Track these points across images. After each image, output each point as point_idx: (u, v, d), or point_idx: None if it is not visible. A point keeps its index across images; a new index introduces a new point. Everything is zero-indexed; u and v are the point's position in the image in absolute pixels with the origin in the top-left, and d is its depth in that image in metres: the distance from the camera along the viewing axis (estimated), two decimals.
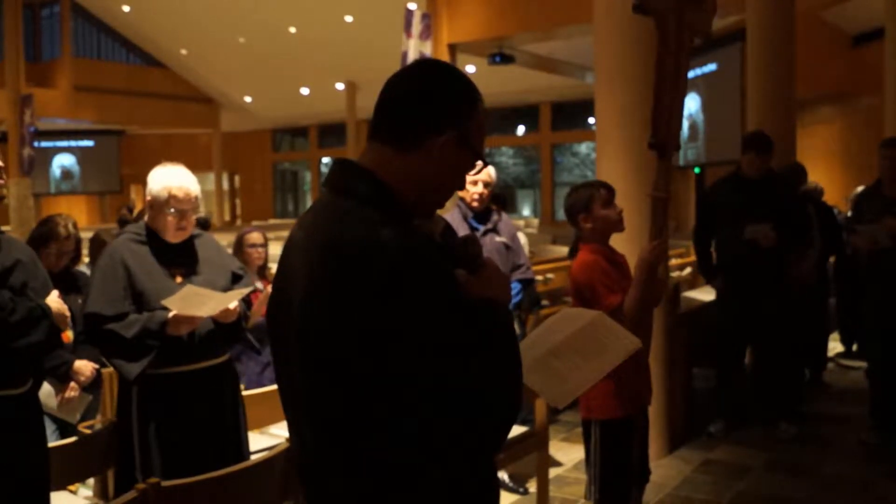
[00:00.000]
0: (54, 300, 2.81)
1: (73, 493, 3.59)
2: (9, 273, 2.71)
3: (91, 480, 3.69)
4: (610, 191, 3.20)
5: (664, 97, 2.85)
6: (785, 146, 6.52)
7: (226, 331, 3.23)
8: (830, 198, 7.79)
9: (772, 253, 5.18)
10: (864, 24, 13.39)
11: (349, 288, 1.35)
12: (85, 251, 4.81)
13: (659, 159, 2.98)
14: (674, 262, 8.75)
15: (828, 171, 13.34)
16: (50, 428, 3.62)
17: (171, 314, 3.01)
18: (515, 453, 3.93)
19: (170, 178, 3.13)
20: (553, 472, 4.63)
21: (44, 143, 22.03)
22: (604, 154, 4.94)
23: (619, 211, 3.20)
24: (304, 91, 23.99)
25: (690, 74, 13.34)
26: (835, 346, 7.76)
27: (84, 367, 3.61)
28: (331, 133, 27.48)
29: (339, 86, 22.52)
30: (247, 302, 3.36)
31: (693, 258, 9.81)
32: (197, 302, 3.01)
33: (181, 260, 3.20)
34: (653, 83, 2.87)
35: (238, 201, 30.87)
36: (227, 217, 28.73)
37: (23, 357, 2.69)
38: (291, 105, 25.22)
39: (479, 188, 4.38)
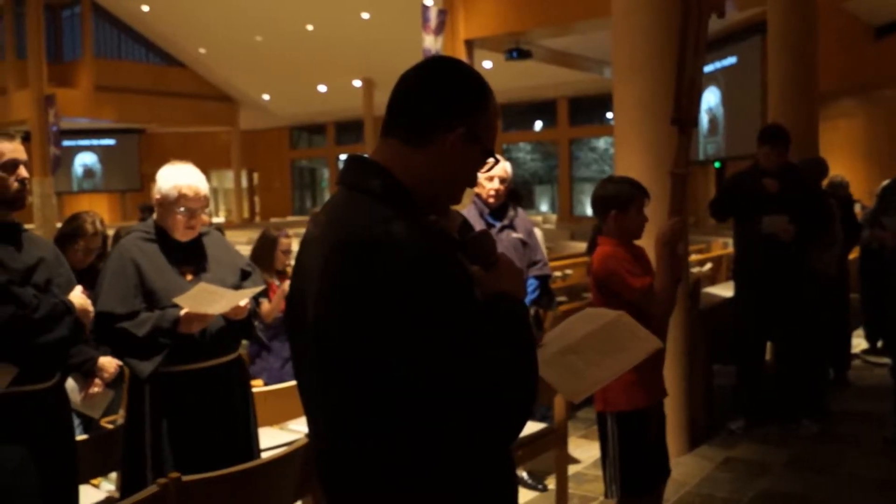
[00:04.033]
0: (78, 296, 2.83)
1: (96, 486, 3.63)
2: (32, 270, 2.73)
3: (113, 475, 3.72)
4: (648, 199, 3.18)
5: (685, 73, 2.87)
6: (807, 140, 6.47)
7: (236, 328, 3.24)
8: (853, 192, 7.70)
9: (791, 247, 5.13)
10: (886, 15, 13.24)
11: (361, 283, 1.36)
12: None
13: (679, 135, 2.98)
14: (693, 257, 8.70)
15: (850, 164, 13.20)
16: (73, 423, 3.66)
17: (182, 312, 3.02)
18: (534, 450, 3.92)
19: (179, 177, 3.14)
20: (572, 468, 4.61)
21: (66, 142, 22.21)
22: (623, 149, 4.91)
23: (646, 221, 3.18)
24: (322, 88, 24.05)
25: (710, 68, 13.29)
26: (860, 342, 7.68)
27: (108, 363, 3.63)
28: (348, 130, 27.54)
29: (357, 83, 22.57)
30: (257, 299, 3.36)
31: (713, 254, 9.75)
32: (208, 300, 3.01)
33: (190, 258, 3.21)
34: (676, 62, 2.89)
35: (257, 198, 31.02)
36: (245, 214, 28.88)
37: (48, 352, 2.71)
38: (309, 102, 25.30)
39: (495, 184, 4.36)
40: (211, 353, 3.17)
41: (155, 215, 3.25)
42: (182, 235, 3.18)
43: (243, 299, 3.12)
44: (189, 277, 3.16)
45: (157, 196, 3.17)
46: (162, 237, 3.19)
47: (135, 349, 3.03)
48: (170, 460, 3.06)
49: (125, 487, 3.15)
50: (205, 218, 3.37)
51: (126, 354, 3.07)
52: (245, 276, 3.33)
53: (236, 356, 3.31)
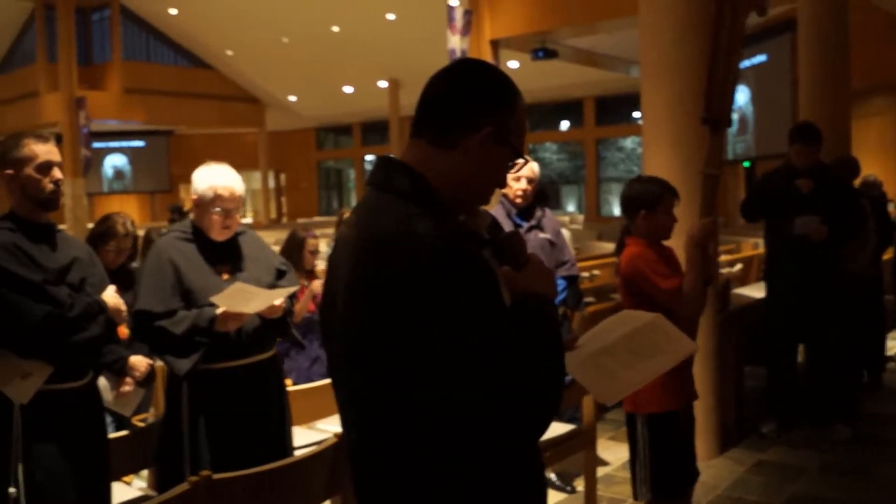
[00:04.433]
0: (111, 295, 2.86)
1: (128, 484, 3.66)
2: (67, 270, 2.77)
3: (145, 472, 3.76)
4: (678, 199, 3.15)
5: (718, 71, 2.83)
6: (838, 138, 6.39)
7: (272, 327, 3.27)
8: (886, 191, 7.58)
9: (823, 247, 5.06)
10: None
11: (386, 279, 1.38)
12: None
13: (711, 135, 2.95)
14: (724, 258, 8.62)
15: (882, 163, 13.02)
16: (106, 420, 3.70)
17: (219, 311, 3.05)
18: (563, 451, 3.90)
19: (215, 178, 3.18)
20: (600, 470, 4.59)
21: (96, 144, 22.50)
22: (651, 149, 4.88)
23: (675, 221, 3.15)
24: (348, 89, 24.14)
25: (740, 66, 13.15)
26: (894, 344, 7.56)
27: (139, 362, 3.66)
28: (374, 130, 27.62)
29: (382, 83, 22.62)
30: (292, 298, 3.39)
31: (743, 255, 9.66)
32: (244, 299, 3.05)
33: (227, 257, 3.25)
34: (707, 60, 2.85)
35: (284, 199, 31.21)
36: (272, 215, 29.05)
37: (82, 351, 2.74)
38: (335, 103, 25.40)
39: (523, 184, 4.35)
40: (247, 352, 3.21)
41: (192, 215, 3.29)
42: (218, 235, 3.22)
43: (278, 298, 3.15)
44: (225, 277, 3.20)
45: (194, 196, 3.22)
46: (199, 237, 3.23)
47: (173, 347, 3.08)
48: (206, 457, 3.11)
49: (161, 484, 3.18)
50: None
51: (164, 352, 3.12)
52: (280, 275, 3.37)
53: (272, 354, 3.35)
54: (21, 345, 2.60)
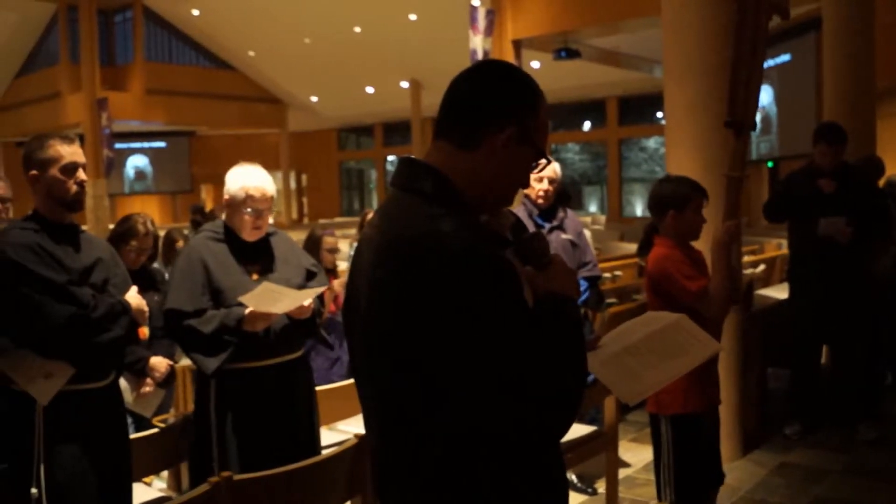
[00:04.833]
0: (133, 296, 2.88)
1: (148, 484, 3.69)
2: (90, 271, 2.79)
3: (165, 473, 3.78)
4: (707, 200, 3.13)
5: (741, 74, 2.81)
6: (863, 138, 6.32)
7: (300, 327, 3.28)
8: None
9: (848, 248, 5.01)
10: None
11: (411, 281, 1.38)
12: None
13: (735, 138, 2.93)
14: (747, 258, 8.55)
15: None
16: (127, 421, 3.72)
17: (247, 311, 3.07)
18: (584, 453, 3.88)
19: (247, 178, 3.22)
20: (622, 472, 4.56)
21: (118, 145, 22.67)
22: (674, 148, 4.84)
23: (704, 222, 3.13)
24: (370, 90, 24.18)
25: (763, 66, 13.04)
26: None
27: (159, 363, 3.69)
28: (396, 131, 27.64)
29: (404, 84, 22.64)
30: (321, 299, 3.40)
31: (767, 255, 9.57)
32: (272, 299, 3.07)
33: (258, 258, 3.29)
34: (730, 62, 2.84)
35: (305, 200, 31.32)
36: (294, 215, 29.16)
37: (105, 352, 2.76)
38: (357, 104, 25.45)
39: (544, 185, 4.34)
40: (275, 352, 3.23)
41: (224, 216, 3.32)
42: (249, 235, 3.26)
43: (307, 299, 3.17)
44: (255, 277, 3.22)
45: (226, 196, 3.26)
46: (230, 237, 3.27)
47: (201, 346, 3.11)
48: (234, 457, 3.12)
49: (193, 482, 3.22)
50: None
51: (193, 350, 3.15)
52: (310, 276, 3.39)
53: (300, 355, 3.37)
54: (44, 345, 2.62)
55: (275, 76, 25.20)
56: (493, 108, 1.52)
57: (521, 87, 1.55)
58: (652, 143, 23.11)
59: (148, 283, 4.03)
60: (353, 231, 10.64)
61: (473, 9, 12.61)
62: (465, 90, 1.56)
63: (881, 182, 6.19)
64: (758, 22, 2.85)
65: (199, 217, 7.07)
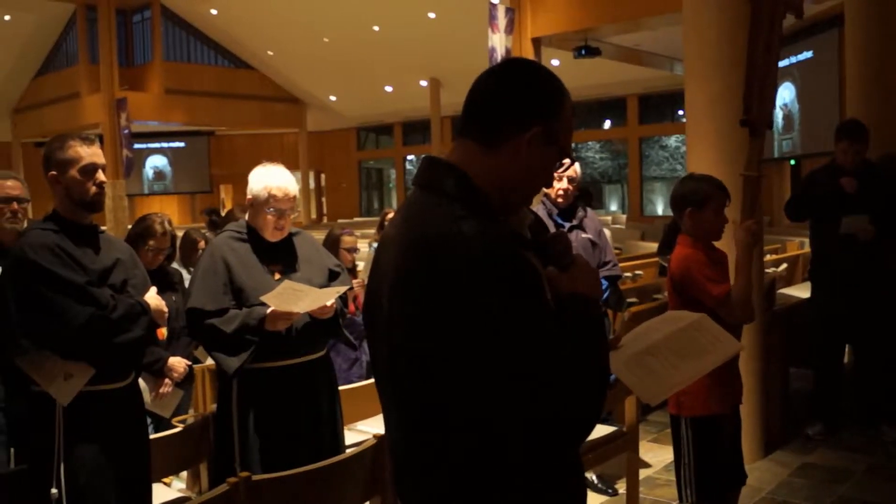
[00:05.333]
0: (152, 297, 2.89)
1: (167, 485, 3.70)
2: (109, 271, 2.79)
3: (184, 473, 3.79)
4: (728, 199, 3.10)
5: (756, 75, 2.79)
6: (886, 136, 6.23)
7: (323, 327, 3.28)
8: None
9: (870, 247, 4.95)
10: None
11: (432, 281, 1.38)
12: None
13: (751, 137, 2.91)
14: (769, 258, 8.47)
15: None
16: (147, 421, 3.73)
17: (269, 310, 3.07)
18: (604, 453, 3.86)
19: (270, 178, 3.23)
20: (643, 472, 4.52)
21: (137, 145, 22.83)
22: (694, 148, 4.81)
23: (726, 222, 3.09)
24: (388, 89, 24.21)
25: (785, 63, 12.93)
26: None
27: (177, 363, 3.70)
28: (415, 130, 27.62)
29: (423, 83, 22.64)
30: (344, 299, 3.39)
31: (789, 254, 9.49)
32: (294, 298, 3.07)
33: (280, 257, 3.29)
34: (745, 62, 2.81)
35: (324, 199, 31.39)
36: (313, 215, 29.27)
37: (124, 352, 2.77)
38: (376, 103, 25.49)
39: (564, 184, 4.33)
40: (297, 351, 3.23)
41: (247, 216, 3.33)
42: (271, 235, 3.27)
43: (329, 298, 3.17)
44: (277, 276, 3.23)
45: (249, 196, 3.27)
46: (253, 237, 3.28)
47: (223, 345, 3.12)
48: (256, 456, 3.12)
49: (214, 482, 3.22)
50: None
51: (215, 349, 3.16)
52: (333, 276, 3.39)
53: (323, 354, 3.37)
54: (64, 346, 2.63)
55: (294, 76, 25.28)
56: (518, 108, 1.51)
57: (547, 87, 1.54)
58: (673, 141, 22.95)
59: (166, 284, 4.03)
60: (373, 231, 10.63)
61: (493, 6, 12.58)
62: (490, 89, 1.54)
63: None
64: (772, 21, 2.83)
65: (216, 217, 7.09)
